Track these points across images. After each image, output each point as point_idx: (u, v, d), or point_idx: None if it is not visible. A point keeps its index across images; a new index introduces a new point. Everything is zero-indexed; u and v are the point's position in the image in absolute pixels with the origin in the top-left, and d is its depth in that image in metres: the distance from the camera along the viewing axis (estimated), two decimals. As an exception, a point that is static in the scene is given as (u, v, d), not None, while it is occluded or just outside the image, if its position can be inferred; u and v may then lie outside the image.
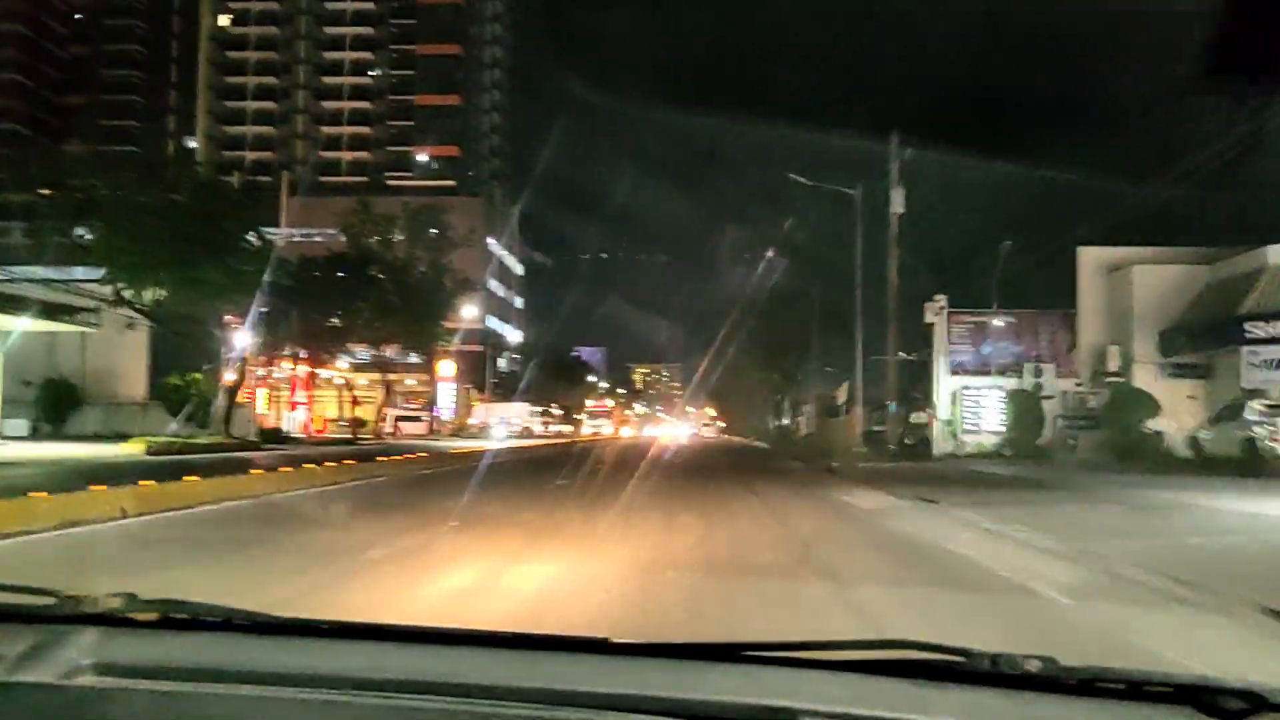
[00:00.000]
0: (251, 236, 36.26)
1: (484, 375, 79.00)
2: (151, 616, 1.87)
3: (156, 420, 42.70)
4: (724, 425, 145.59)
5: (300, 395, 50.12)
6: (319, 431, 52.04)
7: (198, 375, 41.37)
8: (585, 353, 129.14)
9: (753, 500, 16.33)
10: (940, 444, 37.28)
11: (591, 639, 1.77)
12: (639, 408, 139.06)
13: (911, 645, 1.65)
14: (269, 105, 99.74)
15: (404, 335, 56.92)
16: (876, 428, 38.20)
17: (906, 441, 35.03)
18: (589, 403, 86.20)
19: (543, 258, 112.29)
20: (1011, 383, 37.88)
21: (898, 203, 31.04)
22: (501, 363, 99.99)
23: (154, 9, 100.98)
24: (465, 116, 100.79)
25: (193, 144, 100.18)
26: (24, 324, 31.99)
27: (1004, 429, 36.94)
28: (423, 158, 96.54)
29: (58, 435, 40.90)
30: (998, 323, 39.22)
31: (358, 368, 59.36)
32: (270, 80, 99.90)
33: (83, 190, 33.41)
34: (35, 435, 40.59)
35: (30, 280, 35.82)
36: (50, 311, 32.34)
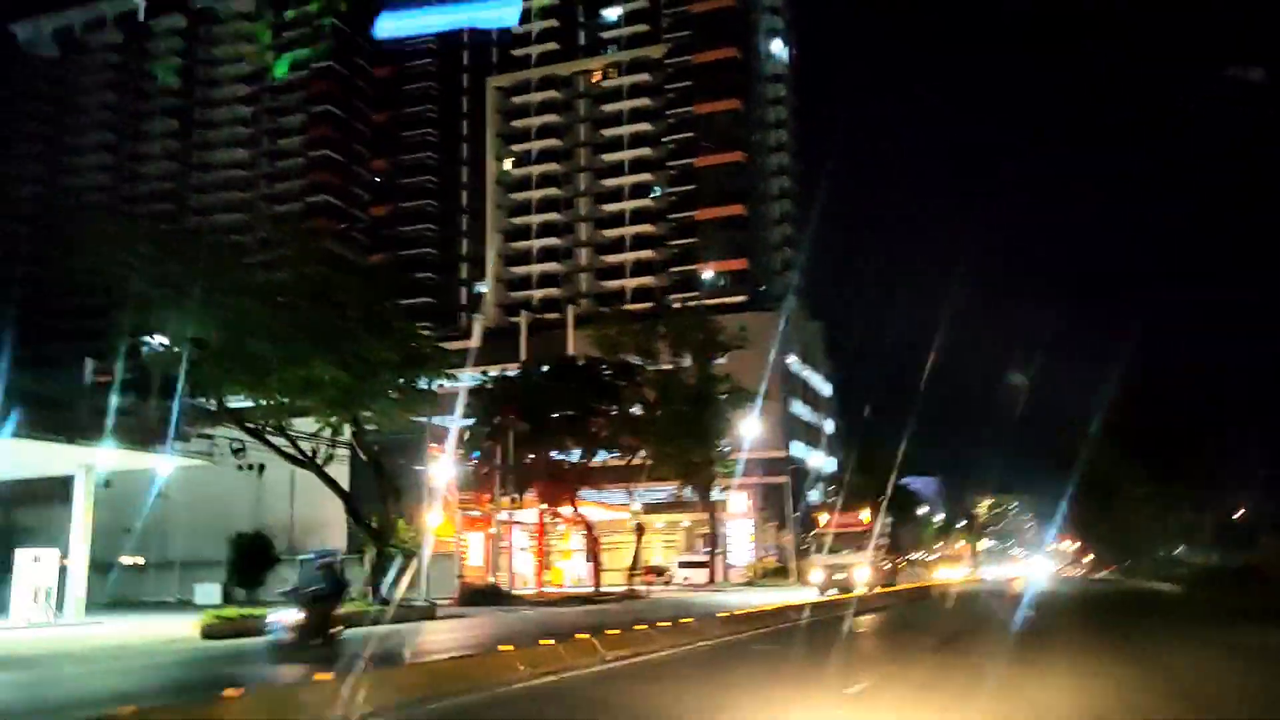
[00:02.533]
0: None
1: (785, 509, 67.19)
2: None
3: (357, 580, 35.15)
4: (1090, 560, 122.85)
5: (525, 540, 41.13)
6: (555, 585, 42.80)
7: (398, 520, 33.38)
8: (916, 483, 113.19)
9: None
10: None
11: None
12: (987, 544, 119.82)
13: None
14: (553, 241, 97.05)
15: (667, 461, 47.25)
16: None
17: None
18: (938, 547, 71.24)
19: (843, 376, 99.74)
20: None
21: None
22: (813, 495, 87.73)
23: (444, 163, 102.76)
24: (752, 227, 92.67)
25: (483, 288, 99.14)
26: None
27: None
28: (708, 274, 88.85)
29: (251, 600, 34.12)
30: None
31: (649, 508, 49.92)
32: (553, 216, 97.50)
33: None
34: (227, 600, 34.03)
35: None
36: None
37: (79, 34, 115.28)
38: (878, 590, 34.98)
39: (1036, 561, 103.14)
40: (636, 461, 48.16)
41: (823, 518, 62.50)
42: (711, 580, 46.70)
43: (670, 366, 47.70)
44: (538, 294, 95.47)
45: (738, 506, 62.71)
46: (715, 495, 53.53)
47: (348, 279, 26.76)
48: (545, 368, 42.82)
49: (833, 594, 37.13)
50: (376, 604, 24.96)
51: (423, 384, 26.82)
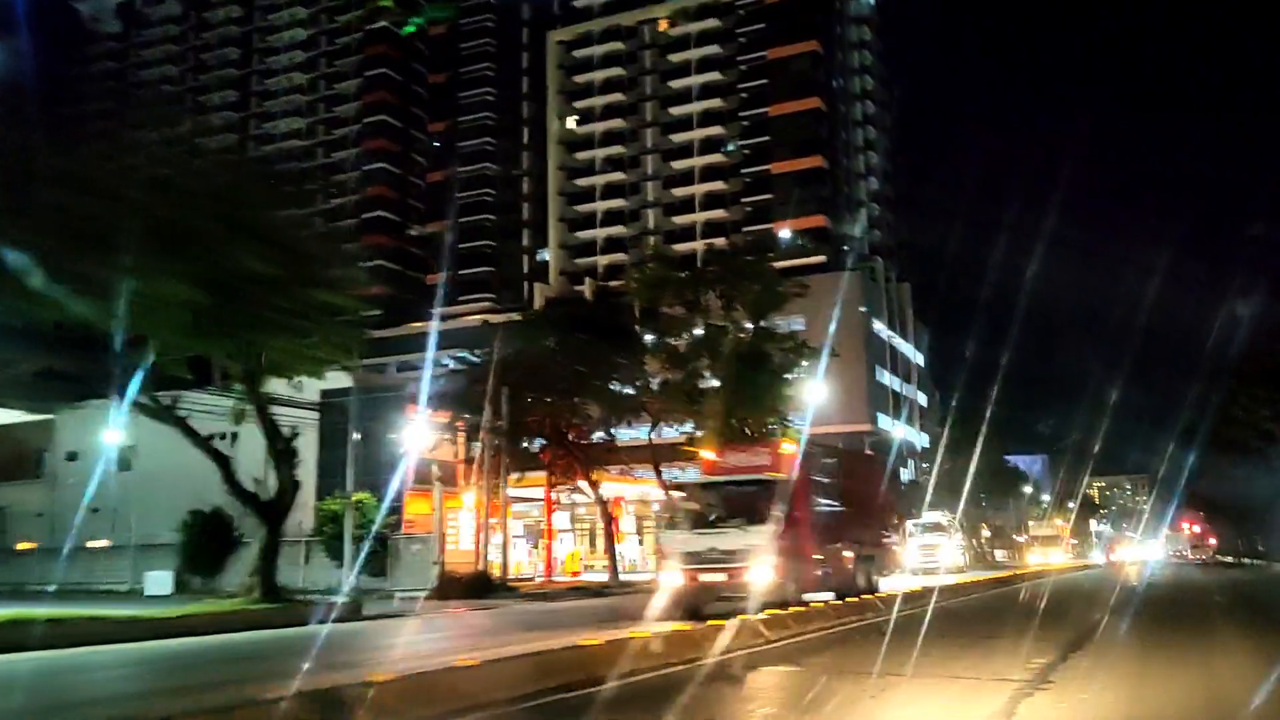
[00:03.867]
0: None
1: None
2: None
3: (320, 567, 29.30)
4: (1215, 543, 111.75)
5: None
6: (570, 574, 36.33)
7: (364, 496, 27.33)
8: (1021, 462, 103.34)
9: None
10: None
11: None
12: (1097, 526, 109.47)
13: None
14: (618, 203, 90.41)
15: (711, 430, 40.31)
16: None
17: None
18: (1032, 524, 62.60)
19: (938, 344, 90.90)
20: None
21: None
22: (905, 473, 79.61)
23: (505, 126, 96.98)
24: (834, 182, 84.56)
25: (546, 255, 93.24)
26: None
27: None
28: (785, 233, 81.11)
29: (208, 589, 28.53)
30: None
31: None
32: (618, 176, 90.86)
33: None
34: (181, 590, 28.50)
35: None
36: None
37: (139, 6, 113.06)
38: (955, 580, 27.60)
39: (1153, 545, 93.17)
40: (676, 437, 41.49)
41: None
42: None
43: (722, 324, 40.58)
44: (603, 260, 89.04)
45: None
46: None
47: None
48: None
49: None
50: (267, 598, 18.83)
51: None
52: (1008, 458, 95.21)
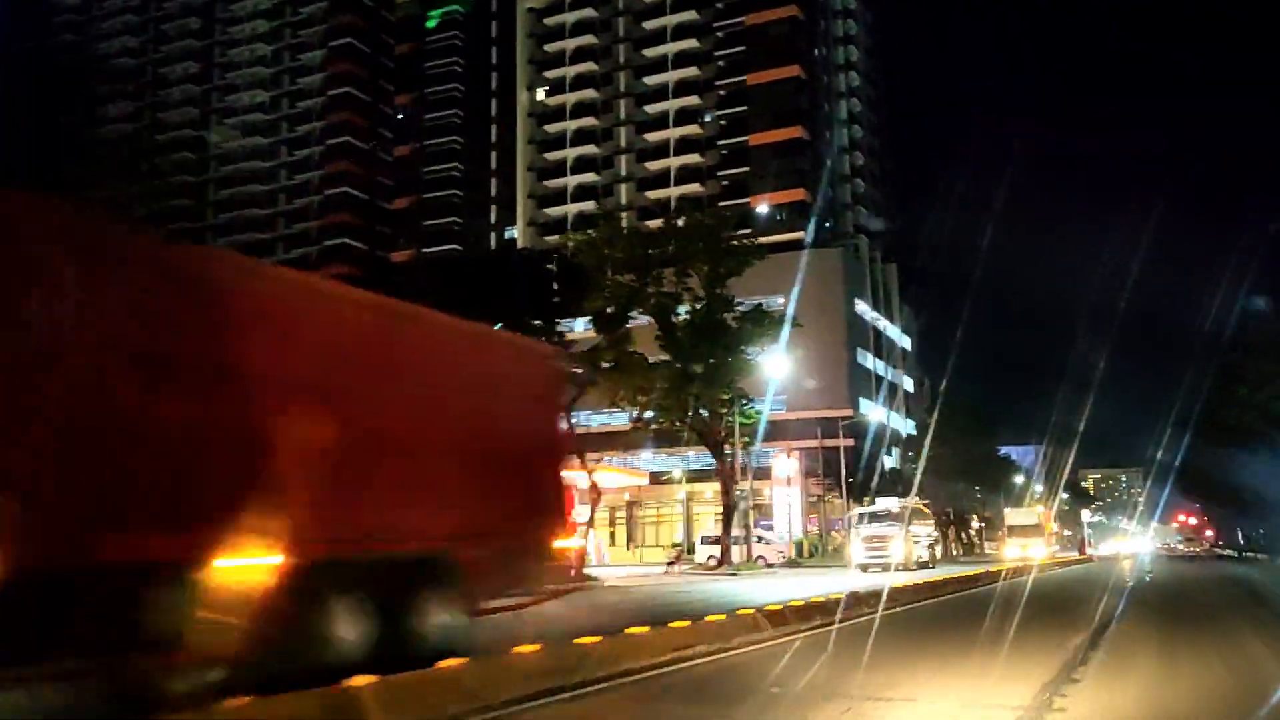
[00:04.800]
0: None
1: (845, 475, 55.44)
2: None
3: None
4: (1212, 535, 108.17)
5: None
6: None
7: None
8: (1015, 451, 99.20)
9: None
10: None
11: None
12: (1089, 517, 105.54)
13: None
14: (590, 178, 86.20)
15: (663, 409, 36.48)
16: None
17: None
18: (1008, 511, 58.34)
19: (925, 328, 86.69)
20: None
21: None
22: (890, 460, 75.74)
23: (471, 98, 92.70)
24: (815, 154, 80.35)
25: (514, 233, 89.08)
26: None
27: None
28: (762, 208, 76.98)
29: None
30: None
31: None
32: (591, 149, 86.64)
33: None
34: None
35: None
36: None
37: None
38: (924, 576, 23.59)
39: (1146, 538, 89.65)
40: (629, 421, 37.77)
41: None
42: (721, 563, 35.69)
43: (673, 291, 36.63)
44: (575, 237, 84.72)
45: (783, 471, 51.41)
46: (743, 457, 42.32)
47: None
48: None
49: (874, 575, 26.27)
50: None
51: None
52: (1001, 448, 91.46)
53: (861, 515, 38.82)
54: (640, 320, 38.36)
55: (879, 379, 78.62)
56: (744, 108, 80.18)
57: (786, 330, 36.98)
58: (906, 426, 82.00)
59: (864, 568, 32.70)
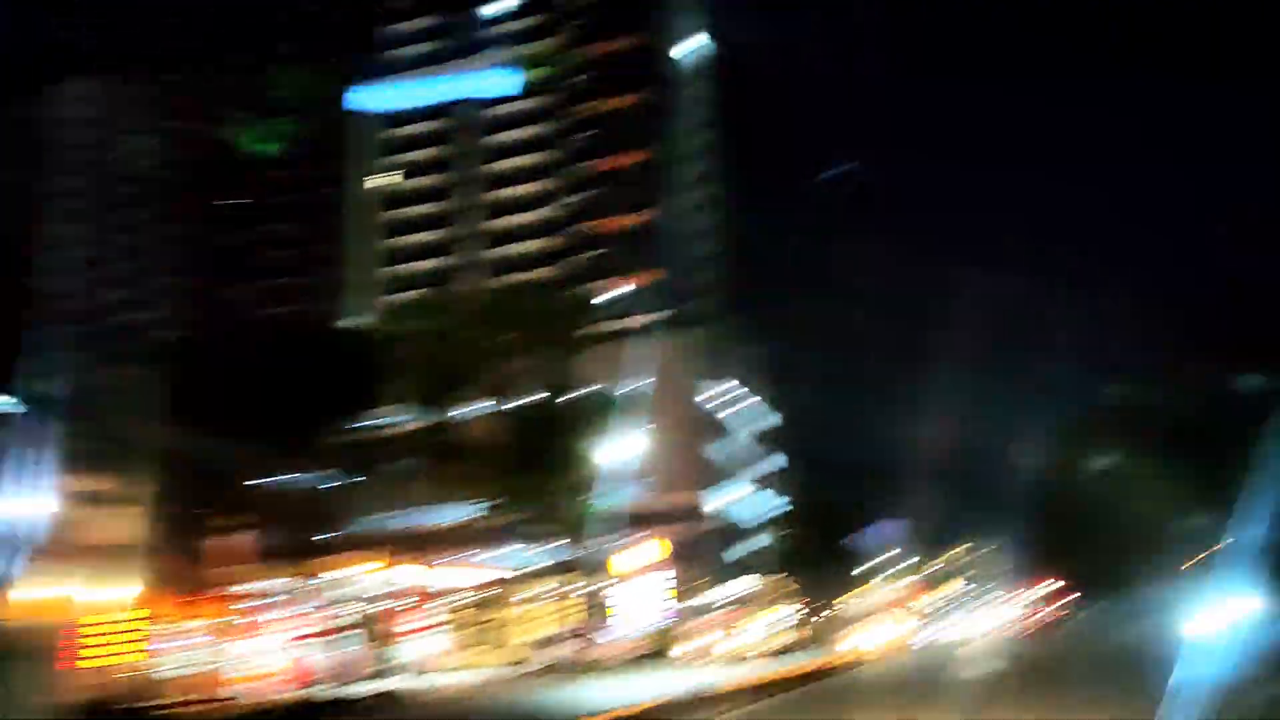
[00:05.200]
0: None
1: (708, 561, 52.79)
2: None
3: None
4: (1078, 596, 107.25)
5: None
6: (287, 681, 28.34)
7: None
8: (883, 529, 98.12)
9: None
10: None
11: None
12: (957, 589, 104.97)
13: None
14: (435, 263, 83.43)
15: (496, 499, 33.45)
16: None
17: None
18: (869, 585, 56.04)
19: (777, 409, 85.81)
20: None
21: None
22: (756, 543, 73.78)
23: (312, 178, 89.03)
24: (669, 238, 79.63)
25: (355, 320, 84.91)
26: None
27: None
28: (615, 291, 75.48)
29: None
30: None
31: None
32: (436, 234, 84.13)
33: None
34: None
35: None
36: None
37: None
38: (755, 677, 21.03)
39: (1001, 610, 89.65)
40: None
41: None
42: (576, 661, 32.27)
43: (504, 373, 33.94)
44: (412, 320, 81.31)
45: (633, 562, 48.53)
46: (598, 547, 39.28)
47: None
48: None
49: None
50: None
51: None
52: (869, 525, 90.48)
53: (710, 603, 36.42)
54: (482, 405, 35.71)
55: (740, 463, 77.02)
56: (595, 192, 79.25)
57: (635, 411, 34.64)
58: (773, 508, 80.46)
59: (713, 657, 30.12)
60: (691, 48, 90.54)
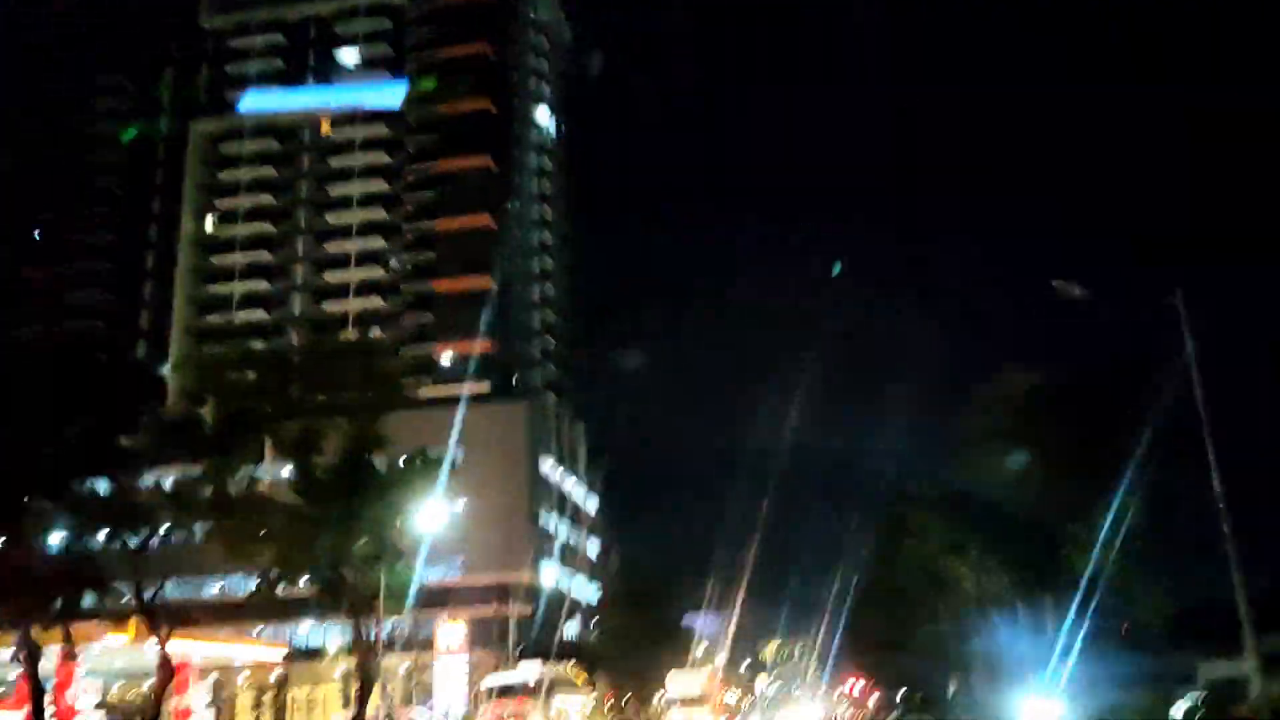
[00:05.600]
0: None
1: (518, 645, 50.15)
2: None
3: None
4: (879, 696, 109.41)
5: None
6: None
7: None
8: (697, 620, 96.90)
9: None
10: None
11: None
12: (763, 686, 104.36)
13: None
14: (259, 315, 78.88)
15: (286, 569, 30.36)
16: None
17: None
18: (670, 676, 53.03)
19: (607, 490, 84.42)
20: None
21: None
22: (572, 628, 71.26)
23: (129, 218, 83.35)
24: (504, 306, 77.85)
25: (164, 371, 78.97)
26: None
27: None
28: (446, 357, 72.95)
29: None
30: None
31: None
32: (261, 285, 79.65)
33: None
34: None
35: None
36: None
37: None
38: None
39: (815, 705, 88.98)
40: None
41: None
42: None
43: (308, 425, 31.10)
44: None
45: (447, 641, 45.51)
46: (397, 625, 36.35)
47: None
48: None
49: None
50: None
51: None
52: (685, 616, 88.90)
53: (490, 689, 33.62)
54: (278, 463, 32.82)
55: (563, 542, 74.75)
56: (432, 254, 77.08)
57: (453, 481, 32.35)
58: (589, 592, 78.16)
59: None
60: (542, 121, 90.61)
